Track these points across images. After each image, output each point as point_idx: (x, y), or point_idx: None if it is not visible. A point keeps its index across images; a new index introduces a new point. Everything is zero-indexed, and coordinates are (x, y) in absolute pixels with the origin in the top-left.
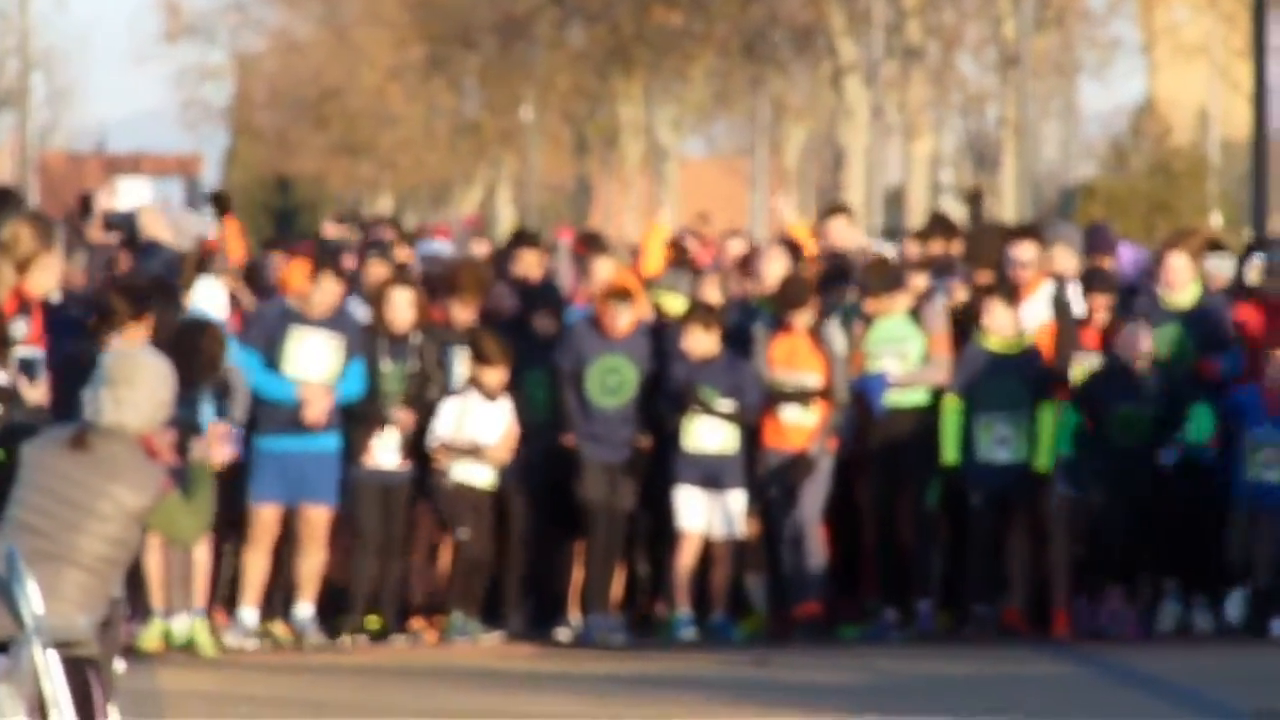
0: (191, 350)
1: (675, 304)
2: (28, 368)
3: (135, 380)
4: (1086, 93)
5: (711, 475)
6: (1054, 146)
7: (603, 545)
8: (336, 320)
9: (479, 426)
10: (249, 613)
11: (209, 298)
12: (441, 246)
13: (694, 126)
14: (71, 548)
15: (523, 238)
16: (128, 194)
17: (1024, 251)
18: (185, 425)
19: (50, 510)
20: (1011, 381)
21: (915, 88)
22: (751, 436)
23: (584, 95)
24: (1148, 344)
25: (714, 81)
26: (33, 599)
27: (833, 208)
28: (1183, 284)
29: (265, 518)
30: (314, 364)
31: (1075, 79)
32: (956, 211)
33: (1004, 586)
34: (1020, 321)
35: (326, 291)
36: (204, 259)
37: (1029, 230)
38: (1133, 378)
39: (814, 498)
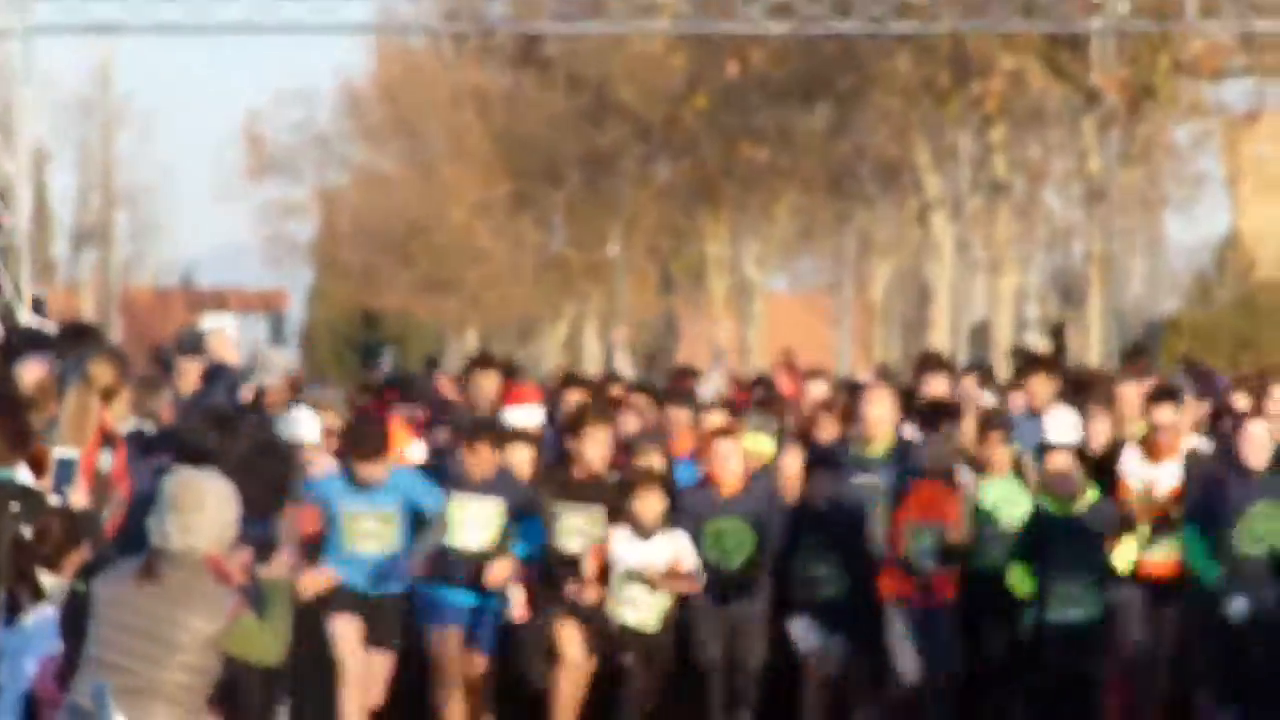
0: (266, 472)
1: (763, 445)
2: (64, 468)
3: (201, 504)
4: (1172, 227)
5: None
6: (1139, 280)
7: (723, 702)
8: (497, 484)
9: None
10: None
11: (303, 422)
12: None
13: (779, 263)
14: (153, 680)
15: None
16: (215, 329)
17: (1164, 414)
18: (260, 543)
19: (128, 646)
20: (1080, 543)
21: (1001, 223)
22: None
23: (670, 231)
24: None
25: (799, 217)
26: None
27: (927, 362)
28: (1260, 455)
29: (450, 649)
30: (476, 531)
31: (1160, 213)
32: (1041, 346)
33: None
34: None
35: (484, 460)
36: (295, 386)
37: (1169, 391)
38: (1255, 475)
39: (957, 647)
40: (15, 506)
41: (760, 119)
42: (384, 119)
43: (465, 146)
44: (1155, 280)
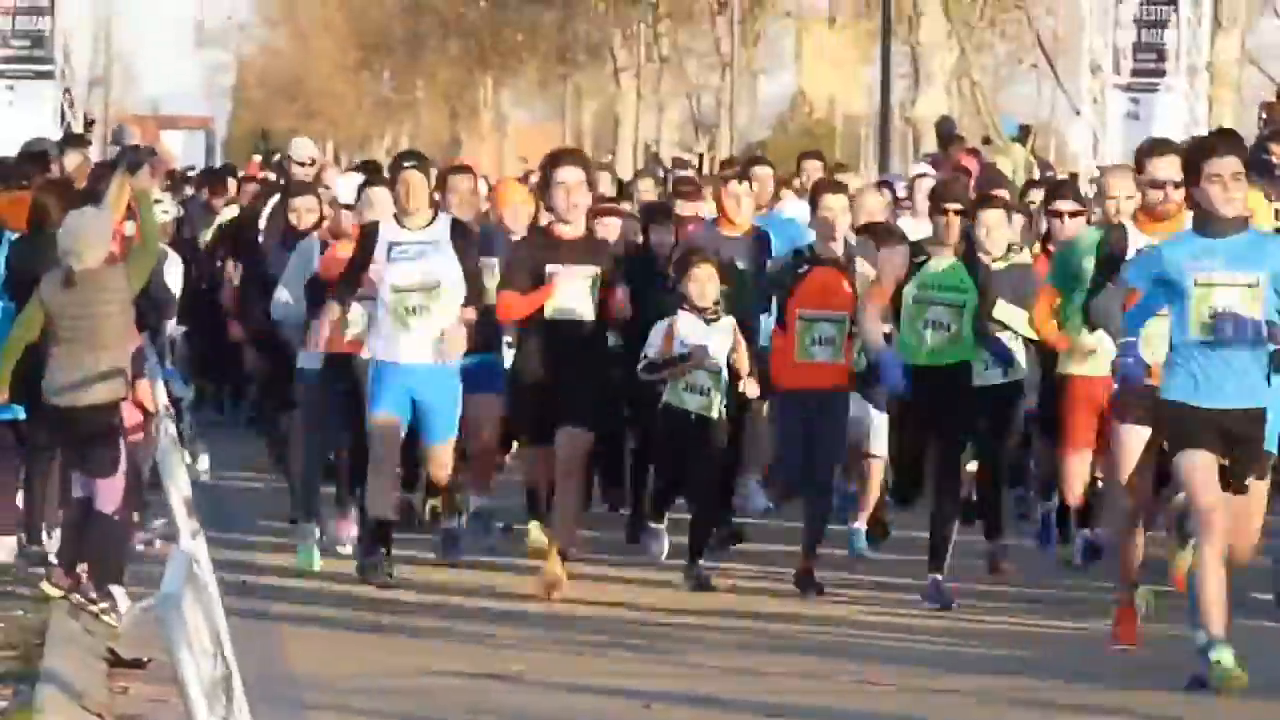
0: None
1: None
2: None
3: (80, 237)
4: (766, 85)
5: None
6: (746, 119)
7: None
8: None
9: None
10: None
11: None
12: None
13: (524, 103)
14: (98, 339)
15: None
16: (169, 140)
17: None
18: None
19: (74, 327)
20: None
21: (665, 82)
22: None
23: (457, 83)
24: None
25: (539, 75)
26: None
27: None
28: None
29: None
30: None
31: (760, 77)
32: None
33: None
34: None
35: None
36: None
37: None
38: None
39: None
40: None
41: (516, 16)
42: (279, 11)
43: (330, 28)
44: (755, 119)
